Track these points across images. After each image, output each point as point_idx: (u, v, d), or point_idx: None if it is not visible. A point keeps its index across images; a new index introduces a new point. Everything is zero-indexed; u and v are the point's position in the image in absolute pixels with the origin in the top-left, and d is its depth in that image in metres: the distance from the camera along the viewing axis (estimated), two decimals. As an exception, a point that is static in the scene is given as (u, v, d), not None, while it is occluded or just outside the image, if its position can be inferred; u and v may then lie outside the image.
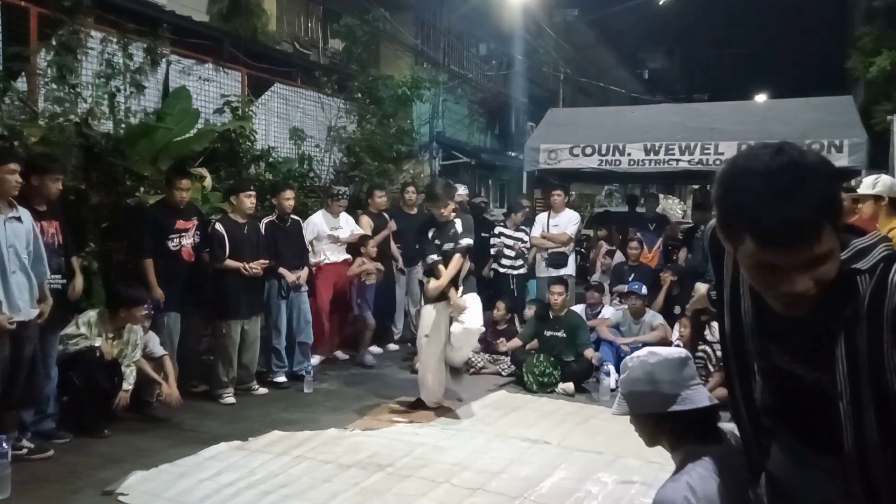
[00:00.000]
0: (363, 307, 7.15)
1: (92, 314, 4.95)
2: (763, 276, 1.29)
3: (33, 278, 4.21)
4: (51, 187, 4.54)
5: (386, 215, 7.80)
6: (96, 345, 4.85)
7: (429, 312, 5.52)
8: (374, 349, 7.61)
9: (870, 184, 4.65)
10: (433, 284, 5.43)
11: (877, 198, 4.59)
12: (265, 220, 6.36)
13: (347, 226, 7.24)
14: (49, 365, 4.62)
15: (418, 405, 5.55)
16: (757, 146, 1.29)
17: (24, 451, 4.30)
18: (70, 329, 4.82)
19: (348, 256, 7.15)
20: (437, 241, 5.50)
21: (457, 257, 5.44)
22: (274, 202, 6.57)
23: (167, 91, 7.02)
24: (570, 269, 8.02)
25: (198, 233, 5.72)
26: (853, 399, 1.32)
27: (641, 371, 1.90)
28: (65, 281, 4.69)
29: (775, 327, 1.41)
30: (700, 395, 1.88)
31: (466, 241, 5.49)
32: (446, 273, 5.40)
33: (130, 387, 5.00)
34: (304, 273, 6.49)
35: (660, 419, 1.87)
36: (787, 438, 1.56)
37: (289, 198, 6.41)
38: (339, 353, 7.37)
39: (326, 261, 6.96)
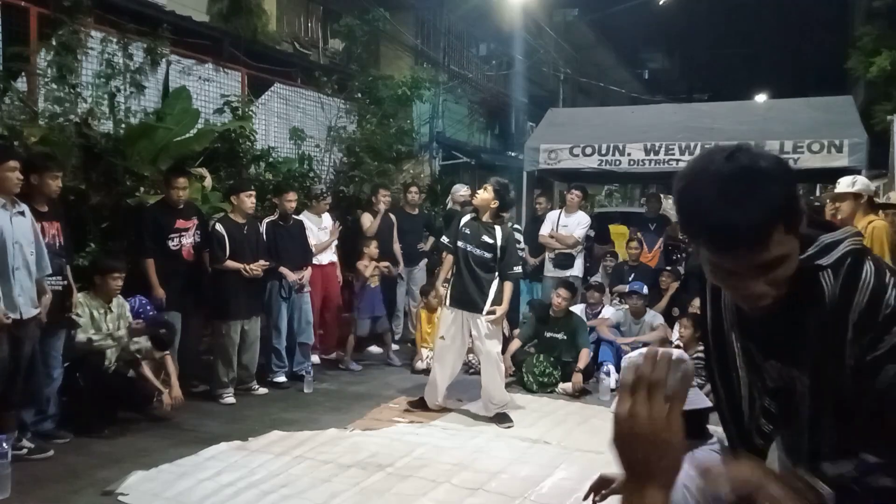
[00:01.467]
0: (362, 312, 7.10)
1: (79, 296, 4.92)
2: (720, 279, 1.31)
3: (35, 276, 4.21)
4: (51, 185, 4.54)
5: (392, 215, 7.81)
6: (95, 338, 4.88)
7: (447, 316, 5.39)
8: (374, 349, 7.60)
9: (849, 183, 4.81)
10: (499, 314, 5.25)
11: (856, 196, 4.76)
12: (266, 220, 6.39)
13: (331, 225, 7.24)
14: (51, 366, 4.62)
15: (420, 404, 5.53)
16: (714, 149, 1.28)
17: (24, 451, 4.31)
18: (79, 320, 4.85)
19: (334, 259, 7.17)
20: (467, 230, 5.29)
21: (508, 286, 5.33)
22: (276, 202, 6.59)
23: (167, 91, 7.01)
24: (576, 270, 8.01)
25: (198, 232, 5.73)
26: (813, 392, 1.33)
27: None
28: (65, 282, 4.69)
29: (752, 322, 1.43)
30: (697, 397, 1.89)
31: (518, 271, 5.49)
32: (503, 304, 5.27)
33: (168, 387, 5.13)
34: (307, 273, 6.49)
35: None
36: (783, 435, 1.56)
37: (291, 199, 6.46)
38: (337, 354, 7.35)
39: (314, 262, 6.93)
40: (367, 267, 7.06)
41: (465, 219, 5.38)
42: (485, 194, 5.32)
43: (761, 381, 1.50)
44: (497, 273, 5.28)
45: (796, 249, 1.27)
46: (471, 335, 5.34)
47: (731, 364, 1.53)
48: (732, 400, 1.55)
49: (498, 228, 5.30)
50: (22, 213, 4.17)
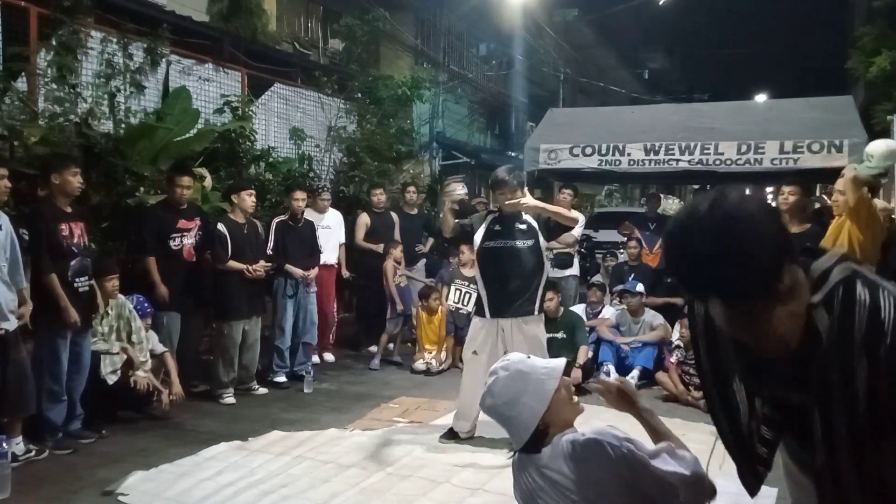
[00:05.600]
0: (394, 311, 7.20)
1: None
2: (740, 330, 1.30)
3: (13, 287, 4.18)
4: (73, 182, 4.57)
5: (393, 214, 7.81)
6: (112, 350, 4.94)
7: (476, 326, 4.74)
8: (374, 348, 7.60)
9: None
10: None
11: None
12: (276, 220, 6.40)
13: (336, 223, 7.27)
14: (82, 365, 4.67)
15: (451, 435, 4.79)
16: (694, 203, 1.27)
17: (32, 452, 4.31)
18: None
19: (333, 262, 7.21)
20: (497, 227, 4.64)
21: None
22: (286, 202, 6.64)
23: (167, 91, 7.02)
24: (574, 269, 8.02)
25: (199, 233, 5.73)
26: (825, 426, 1.30)
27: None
28: (91, 282, 4.72)
29: (750, 360, 1.41)
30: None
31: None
32: (557, 209, 4.63)
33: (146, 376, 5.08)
34: (313, 271, 6.52)
35: None
36: (787, 441, 1.54)
37: (297, 198, 6.48)
38: (328, 356, 7.35)
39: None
40: (400, 273, 7.23)
41: (490, 218, 4.74)
42: (517, 196, 4.60)
43: (759, 392, 1.48)
44: (544, 261, 4.72)
45: (802, 277, 1.27)
46: (506, 350, 4.51)
47: (728, 380, 1.50)
48: (729, 412, 1.53)
49: (523, 214, 4.72)
50: None
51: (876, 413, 1.24)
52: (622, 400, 1.94)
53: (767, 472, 1.53)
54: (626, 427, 1.90)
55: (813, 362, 1.29)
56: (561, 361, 2.04)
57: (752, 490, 1.55)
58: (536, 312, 4.67)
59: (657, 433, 1.88)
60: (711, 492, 1.73)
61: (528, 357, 2.05)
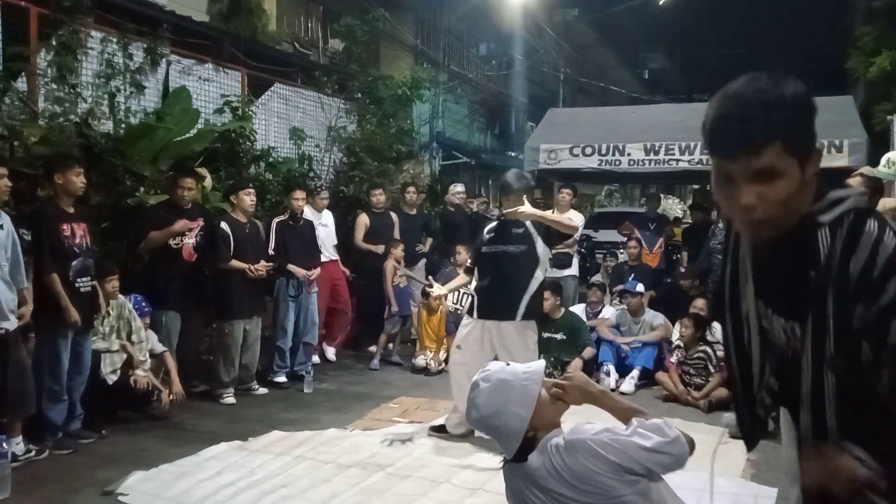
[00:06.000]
0: (394, 311, 7.22)
1: None
2: (719, 186, 1.35)
3: (13, 286, 4.19)
4: (75, 182, 4.58)
5: (393, 214, 7.81)
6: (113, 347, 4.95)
7: (465, 323, 4.81)
8: (373, 348, 7.60)
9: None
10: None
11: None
12: (277, 220, 6.41)
13: (331, 222, 7.30)
14: (83, 364, 4.68)
15: (441, 429, 4.89)
16: (748, 75, 1.36)
17: (32, 452, 4.31)
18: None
19: (336, 258, 7.23)
20: (491, 234, 4.77)
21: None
22: (286, 202, 6.65)
23: (167, 91, 7.02)
24: (573, 269, 8.02)
25: (201, 233, 5.73)
26: (815, 345, 1.34)
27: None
28: (94, 283, 4.73)
29: (764, 280, 1.47)
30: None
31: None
32: (556, 218, 4.75)
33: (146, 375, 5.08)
34: (315, 271, 6.53)
35: None
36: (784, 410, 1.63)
37: (297, 198, 6.48)
38: (330, 353, 7.34)
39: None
40: (400, 273, 7.25)
41: (490, 226, 4.90)
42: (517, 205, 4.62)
43: (770, 356, 1.53)
44: (537, 269, 4.65)
45: (795, 175, 1.29)
46: (495, 355, 4.56)
47: (746, 335, 1.57)
48: (744, 367, 1.59)
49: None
50: (1, 227, 4.15)
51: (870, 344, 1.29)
52: (581, 394, 1.97)
53: (765, 432, 1.62)
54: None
55: (811, 284, 1.33)
56: (540, 363, 2.04)
57: (749, 444, 1.64)
58: (522, 317, 4.60)
59: (622, 411, 1.95)
60: (691, 446, 1.81)
61: (508, 364, 2.04)
